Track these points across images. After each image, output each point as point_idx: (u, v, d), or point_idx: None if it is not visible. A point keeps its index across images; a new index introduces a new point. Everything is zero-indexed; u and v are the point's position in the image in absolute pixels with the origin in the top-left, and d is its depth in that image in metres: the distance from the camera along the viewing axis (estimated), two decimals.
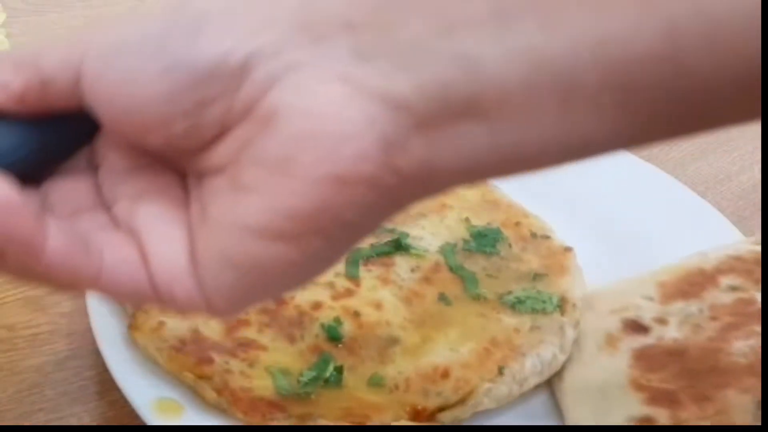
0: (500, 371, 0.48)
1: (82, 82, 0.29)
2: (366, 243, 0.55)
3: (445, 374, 0.48)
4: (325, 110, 0.27)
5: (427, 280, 0.54)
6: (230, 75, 0.28)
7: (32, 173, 0.30)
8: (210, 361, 0.46)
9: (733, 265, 0.54)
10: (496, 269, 0.55)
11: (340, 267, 0.53)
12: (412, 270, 0.54)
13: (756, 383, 0.46)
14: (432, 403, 0.46)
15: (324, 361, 0.48)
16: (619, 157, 0.65)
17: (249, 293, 0.30)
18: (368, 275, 0.53)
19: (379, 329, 0.50)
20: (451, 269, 0.54)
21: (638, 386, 0.47)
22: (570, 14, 0.27)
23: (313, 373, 0.47)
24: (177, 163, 0.31)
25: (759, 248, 0.55)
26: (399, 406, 0.46)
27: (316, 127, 0.27)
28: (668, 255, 0.56)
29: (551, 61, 0.27)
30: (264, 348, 0.48)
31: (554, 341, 0.50)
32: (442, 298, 0.53)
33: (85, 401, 0.48)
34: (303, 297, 0.51)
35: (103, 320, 0.48)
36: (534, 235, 0.58)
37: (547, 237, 0.58)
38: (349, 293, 0.52)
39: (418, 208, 0.59)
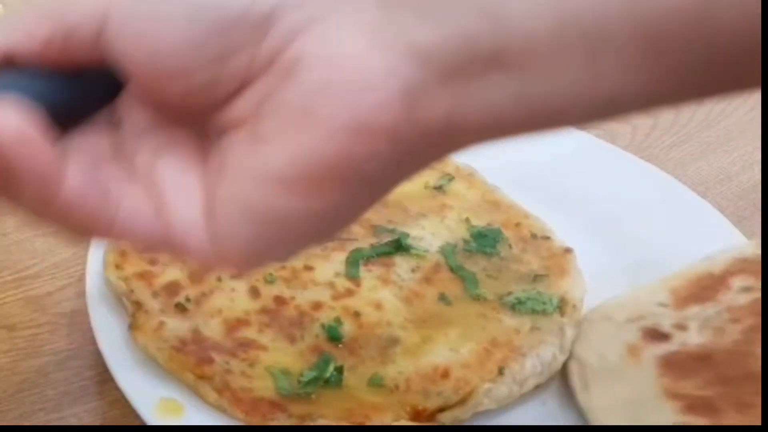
0: (500, 372, 0.48)
1: (107, 32, 0.29)
2: (366, 243, 0.55)
3: (446, 374, 0.48)
4: (348, 60, 0.27)
5: (427, 280, 0.54)
6: (254, 25, 0.28)
7: (54, 126, 0.30)
8: (210, 361, 0.46)
9: (741, 266, 0.53)
10: (496, 270, 0.55)
11: (341, 267, 0.53)
12: (413, 270, 0.54)
13: None
14: (432, 403, 0.46)
15: (324, 361, 0.48)
16: (620, 158, 0.66)
17: (264, 247, 0.30)
18: (369, 275, 0.53)
19: (380, 329, 0.50)
20: (451, 269, 0.54)
21: (672, 395, 0.46)
22: None
23: (314, 373, 0.47)
24: (197, 120, 0.31)
25: None
26: (399, 406, 0.46)
27: (338, 76, 0.27)
28: (669, 255, 0.56)
29: (579, 13, 0.27)
30: (264, 348, 0.48)
31: (554, 342, 0.50)
32: (443, 298, 0.53)
33: (86, 401, 0.48)
34: (303, 297, 0.51)
35: (104, 320, 0.48)
36: (534, 236, 0.58)
37: (548, 238, 0.58)
38: (349, 293, 0.52)
39: (418, 208, 0.59)
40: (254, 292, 0.51)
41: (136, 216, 0.30)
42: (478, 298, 0.53)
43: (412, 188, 0.61)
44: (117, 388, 0.45)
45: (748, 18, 0.26)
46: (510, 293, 0.53)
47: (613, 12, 0.27)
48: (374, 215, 0.58)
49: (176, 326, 0.48)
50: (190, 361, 0.46)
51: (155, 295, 0.49)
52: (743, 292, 0.51)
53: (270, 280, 0.52)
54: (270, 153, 0.28)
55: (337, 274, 0.53)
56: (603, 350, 0.50)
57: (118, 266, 0.50)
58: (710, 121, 0.79)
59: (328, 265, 0.53)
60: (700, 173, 0.72)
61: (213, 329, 0.48)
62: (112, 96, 0.31)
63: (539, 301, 0.52)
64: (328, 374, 0.47)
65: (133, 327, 0.47)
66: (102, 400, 0.48)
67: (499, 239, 0.57)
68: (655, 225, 0.60)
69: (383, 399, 0.46)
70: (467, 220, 0.59)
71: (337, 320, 0.50)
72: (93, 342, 0.47)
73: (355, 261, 0.54)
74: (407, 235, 0.56)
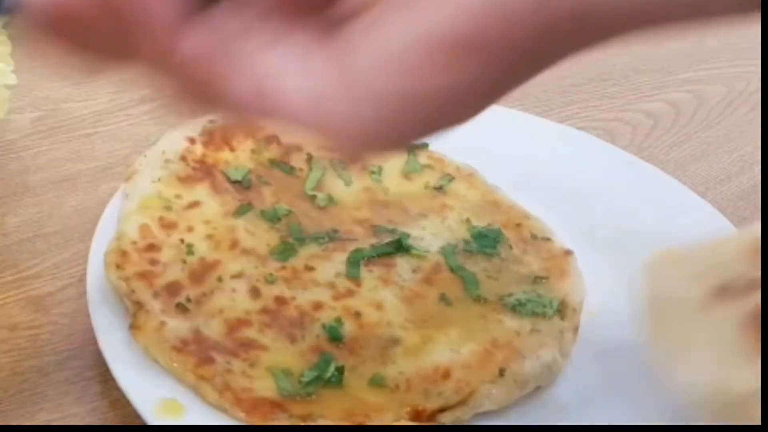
0: (501, 373, 0.48)
1: None
2: (367, 243, 0.55)
3: (446, 375, 0.48)
4: None
5: (428, 280, 0.54)
6: None
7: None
8: (211, 361, 0.46)
9: None
10: (496, 270, 0.55)
11: (341, 267, 0.53)
12: (413, 270, 0.54)
13: None
14: (433, 403, 0.46)
15: (325, 361, 0.48)
16: (620, 158, 0.66)
17: (391, 128, 0.29)
18: (369, 276, 0.53)
19: (380, 329, 0.50)
20: (451, 270, 0.55)
21: (756, 351, 0.43)
22: None
23: (315, 374, 0.47)
24: (318, 9, 0.30)
25: None
26: (400, 406, 0.46)
27: None
28: None
29: None
30: (265, 348, 0.48)
31: (554, 345, 0.50)
32: (443, 298, 0.53)
33: (87, 401, 0.48)
34: (304, 297, 0.51)
35: (105, 320, 0.48)
36: (534, 237, 0.58)
37: (548, 239, 0.58)
38: (350, 293, 0.52)
39: (419, 208, 0.60)
40: (255, 293, 0.51)
41: (252, 87, 0.29)
42: (478, 299, 0.53)
43: (412, 188, 0.61)
44: (118, 389, 0.45)
45: None
46: (510, 294, 0.53)
47: None
48: (375, 215, 0.59)
49: (177, 326, 0.48)
50: (191, 362, 0.46)
51: (156, 295, 0.49)
52: None
53: (271, 281, 0.52)
54: (399, 30, 0.27)
55: (337, 275, 0.53)
56: (680, 294, 0.48)
57: (118, 266, 0.50)
58: (710, 122, 0.79)
59: (328, 265, 0.54)
60: (700, 173, 0.72)
61: (214, 329, 0.48)
62: None
63: (539, 303, 0.52)
64: (328, 374, 0.47)
65: (133, 327, 0.47)
66: (103, 400, 0.48)
67: (500, 240, 0.57)
68: (655, 225, 0.60)
69: (384, 399, 0.47)
70: (468, 220, 0.59)
71: (338, 320, 0.50)
72: (94, 342, 0.47)
73: (355, 261, 0.54)
74: (408, 236, 0.56)
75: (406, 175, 0.62)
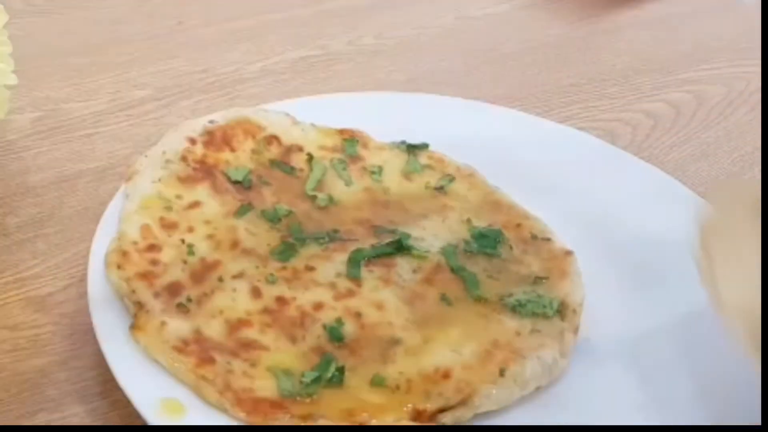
0: (501, 373, 0.48)
1: None
2: (367, 244, 0.55)
3: (447, 375, 0.48)
4: None
5: (428, 280, 0.54)
6: None
7: None
8: (212, 361, 0.46)
9: None
10: (497, 271, 0.55)
11: (342, 267, 0.53)
12: (414, 271, 0.54)
13: None
14: (433, 404, 0.46)
15: (326, 361, 0.48)
16: (620, 158, 0.66)
17: None
18: (370, 276, 0.53)
19: (381, 330, 0.50)
20: (452, 270, 0.55)
21: None
22: None
23: (315, 374, 0.47)
24: None
25: None
26: (400, 406, 0.46)
27: None
28: (669, 256, 0.57)
29: None
30: (266, 348, 0.48)
31: (554, 346, 0.50)
32: (444, 299, 0.53)
33: (87, 401, 0.48)
34: (305, 297, 0.51)
35: (105, 320, 0.48)
36: (535, 237, 0.58)
37: (548, 239, 0.58)
38: (350, 294, 0.52)
39: (419, 208, 0.60)
40: (256, 293, 0.51)
41: None
42: (479, 299, 0.53)
43: (413, 189, 0.62)
44: (118, 388, 0.45)
45: None
46: (511, 295, 0.53)
47: None
48: (375, 216, 0.59)
49: (178, 326, 0.48)
50: (192, 362, 0.46)
51: (157, 295, 0.49)
52: None
53: (271, 281, 0.52)
54: None
55: (338, 275, 0.53)
56: (735, 217, 0.47)
57: (119, 266, 0.50)
58: (710, 122, 0.79)
59: (329, 265, 0.54)
60: (700, 174, 0.72)
61: (214, 329, 0.48)
62: None
63: (539, 304, 0.52)
64: (329, 374, 0.47)
65: (134, 327, 0.47)
66: (103, 400, 0.48)
67: (500, 240, 0.57)
68: (655, 225, 0.60)
69: (384, 399, 0.47)
70: (468, 220, 0.59)
71: (339, 321, 0.50)
72: (94, 342, 0.47)
73: (356, 261, 0.54)
74: (408, 236, 0.56)
75: (407, 175, 0.62)
